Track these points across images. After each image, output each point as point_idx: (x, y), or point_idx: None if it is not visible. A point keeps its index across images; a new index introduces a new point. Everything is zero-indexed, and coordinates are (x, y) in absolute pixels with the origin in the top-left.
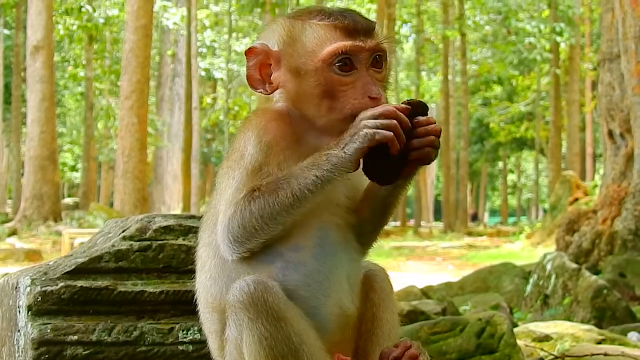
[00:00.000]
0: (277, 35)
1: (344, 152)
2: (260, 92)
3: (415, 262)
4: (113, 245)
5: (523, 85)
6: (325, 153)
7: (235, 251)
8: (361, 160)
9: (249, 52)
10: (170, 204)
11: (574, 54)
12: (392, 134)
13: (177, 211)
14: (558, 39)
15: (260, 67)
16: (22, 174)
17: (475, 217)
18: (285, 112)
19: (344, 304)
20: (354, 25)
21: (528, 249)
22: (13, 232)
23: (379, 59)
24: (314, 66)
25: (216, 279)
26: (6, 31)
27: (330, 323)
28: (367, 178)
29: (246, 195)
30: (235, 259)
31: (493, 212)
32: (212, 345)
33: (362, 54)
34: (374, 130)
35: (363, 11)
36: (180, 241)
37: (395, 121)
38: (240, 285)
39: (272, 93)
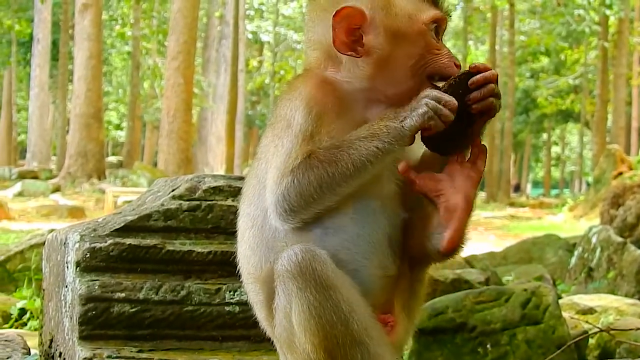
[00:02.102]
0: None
1: (402, 126)
2: (350, 55)
3: None
4: (162, 204)
5: (572, 59)
6: (384, 124)
7: (289, 221)
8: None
9: (341, 12)
10: (214, 165)
11: (623, 28)
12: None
13: (221, 173)
14: (607, 11)
15: (348, 30)
16: (67, 131)
17: (517, 188)
18: (332, 78)
19: (385, 266)
20: None
21: (570, 221)
22: (57, 189)
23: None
24: (417, 29)
25: (255, 249)
26: None
27: (373, 285)
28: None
29: (303, 163)
30: (287, 228)
31: (536, 184)
32: (259, 315)
33: (443, 25)
34: (431, 114)
35: None
36: (229, 202)
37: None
38: (288, 254)
39: (362, 57)
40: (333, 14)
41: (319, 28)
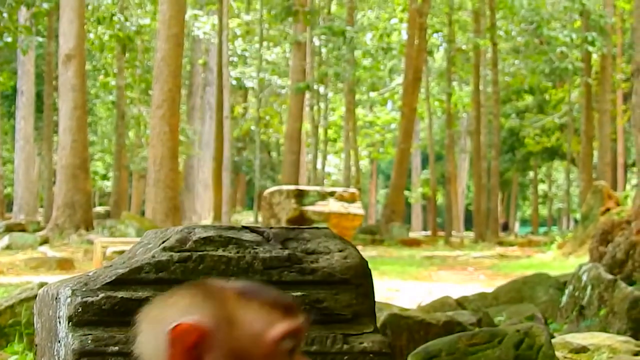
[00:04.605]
0: (206, 312)
1: None
2: None
3: (447, 272)
4: (153, 256)
5: (556, 99)
6: None
7: None
8: None
9: (178, 329)
10: (201, 212)
11: (606, 64)
12: None
13: (209, 220)
14: (590, 48)
15: (184, 351)
16: (54, 183)
17: (506, 227)
18: None
19: None
20: (292, 303)
21: (560, 259)
22: (45, 241)
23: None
24: (265, 350)
25: None
26: (39, 38)
27: None
28: None
29: None
30: None
31: (524, 222)
32: None
33: (300, 335)
34: None
35: (394, 20)
36: (220, 252)
37: None
38: None
39: None
40: (167, 330)
41: (151, 344)
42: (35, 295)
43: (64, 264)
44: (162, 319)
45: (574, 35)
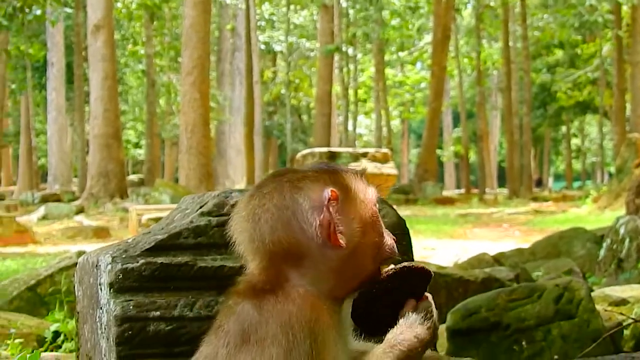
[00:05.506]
0: (337, 184)
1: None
2: (341, 247)
3: (482, 229)
4: (191, 222)
5: (588, 53)
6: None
7: None
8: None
9: (333, 195)
10: (234, 178)
11: (637, 15)
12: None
13: (242, 185)
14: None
15: (334, 212)
16: (87, 153)
17: (539, 183)
18: (312, 290)
19: None
20: (366, 173)
21: (595, 212)
22: (80, 210)
23: None
24: (373, 211)
25: None
26: (67, 9)
27: None
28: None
29: None
30: None
31: (557, 177)
32: None
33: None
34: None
35: None
36: None
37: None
38: None
39: (345, 248)
40: (328, 196)
41: (281, 222)
42: (74, 264)
43: (100, 232)
44: (299, 192)
45: None
